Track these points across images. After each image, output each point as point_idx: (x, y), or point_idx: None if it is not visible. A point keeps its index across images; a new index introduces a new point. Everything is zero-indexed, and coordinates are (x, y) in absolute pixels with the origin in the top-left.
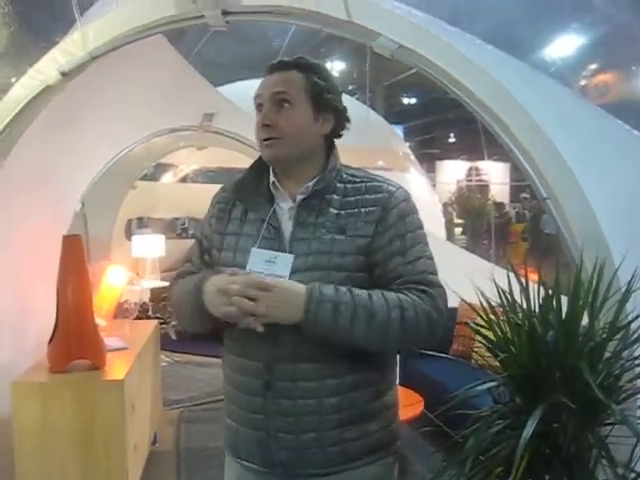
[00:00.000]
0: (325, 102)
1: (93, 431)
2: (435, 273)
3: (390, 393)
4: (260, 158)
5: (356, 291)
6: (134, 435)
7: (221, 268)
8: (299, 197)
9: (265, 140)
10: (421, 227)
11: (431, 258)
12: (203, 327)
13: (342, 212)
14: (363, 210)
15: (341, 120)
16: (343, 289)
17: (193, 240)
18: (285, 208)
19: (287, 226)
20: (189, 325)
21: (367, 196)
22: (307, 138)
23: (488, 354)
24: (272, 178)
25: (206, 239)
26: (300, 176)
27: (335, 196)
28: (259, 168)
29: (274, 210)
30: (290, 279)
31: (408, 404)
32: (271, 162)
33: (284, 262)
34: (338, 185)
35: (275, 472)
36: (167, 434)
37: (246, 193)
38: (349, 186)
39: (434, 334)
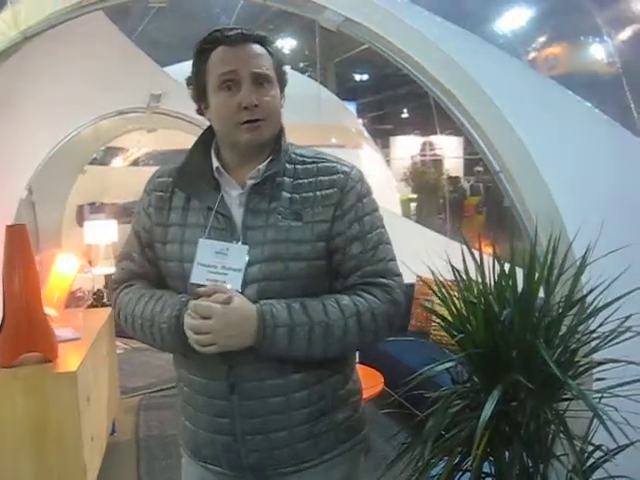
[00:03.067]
0: (284, 80)
1: (46, 426)
2: (394, 259)
3: (354, 377)
4: (200, 141)
5: (310, 306)
6: (90, 427)
7: (165, 263)
8: (249, 182)
9: (249, 122)
10: (377, 209)
11: (389, 242)
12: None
13: (296, 196)
14: (319, 193)
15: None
16: (296, 306)
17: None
18: (234, 195)
19: (237, 214)
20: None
21: (321, 178)
22: (280, 118)
23: (437, 319)
24: (216, 163)
25: (146, 232)
26: (255, 160)
27: (286, 179)
28: (200, 152)
29: (222, 197)
30: (247, 271)
31: (369, 383)
32: (252, 146)
33: (238, 253)
34: (287, 166)
35: (244, 475)
36: (126, 423)
37: (188, 180)
38: (299, 167)
39: (392, 328)
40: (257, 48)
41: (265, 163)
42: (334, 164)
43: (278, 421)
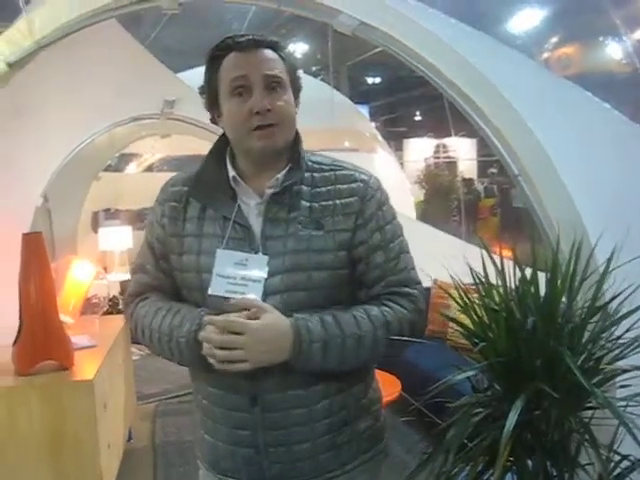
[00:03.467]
0: (298, 85)
1: (63, 434)
2: (414, 267)
3: (374, 385)
4: (215, 150)
5: (342, 318)
6: (107, 434)
7: (182, 274)
8: (268, 191)
9: (261, 128)
10: (396, 216)
11: (409, 251)
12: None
13: (314, 204)
14: (339, 202)
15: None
16: (329, 319)
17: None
18: (252, 204)
19: (256, 224)
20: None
21: (340, 186)
22: (294, 123)
23: (458, 327)
24: (232, 172)
25: (159, 243)
26: (272, 168)
27: (304, 187)
28: (215, 160)
29: (239, 207)
30: (267, 282)
31: (386, 389)
32: (266, 153)
33: (258, 264)
34: (305, 175)
35: None
36: (142, 429)
37: (203, 190)
38: (317, 175)
39: (417, 336)
40: (269, 53)
41: (284, 172)
42: (352, 172)
43: (301, 433)
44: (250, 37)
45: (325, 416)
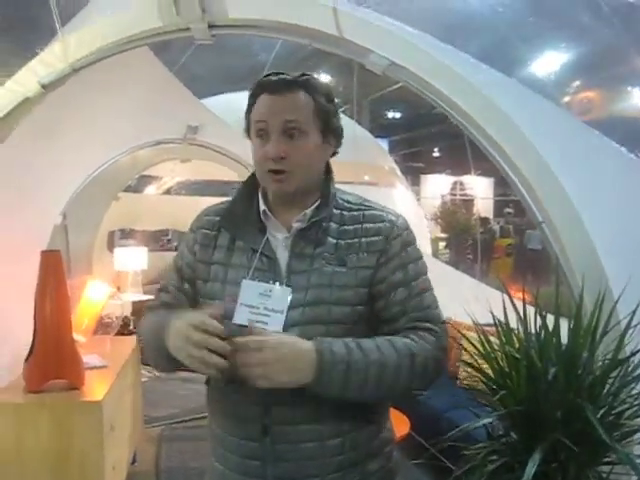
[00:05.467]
0: (332, 127)
1: (69, 453)
2: (438, 307)
3: (388, 426)
4: (248, 183)
5: (366, 345)
6: (112, 456)
7: (206, 301)
8: (295, 226)
9: (274, 173)
10: (421, 257)
11: (432, 290)
12: (171, 370)
13: (341, 242)
14: (364, 240)
15: (340, 141)
16: (352, 344)
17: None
18: (279, 237)
19: (282, 257)
20: (155, 366)
21: (367, 225)
22: (315, 167)
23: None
24: (262, 206)
25: (189, 268)
26: (299, 204)
27: (332, 224)
28: (247, 193)
29: (267, 239)
30: (288, 314)
31: (394, 426)
32: (279, 196)
33: (281, 295)
34: (334, 212)
35: None
36: (147, 453)
37: (234, 221)
38: (346, 214)
39: (440, 374)
40: (297, 97)
41: (312, 208)
42: (381, 213)
43: (311, 467)
44: (282, 77)
45: (336, 453)
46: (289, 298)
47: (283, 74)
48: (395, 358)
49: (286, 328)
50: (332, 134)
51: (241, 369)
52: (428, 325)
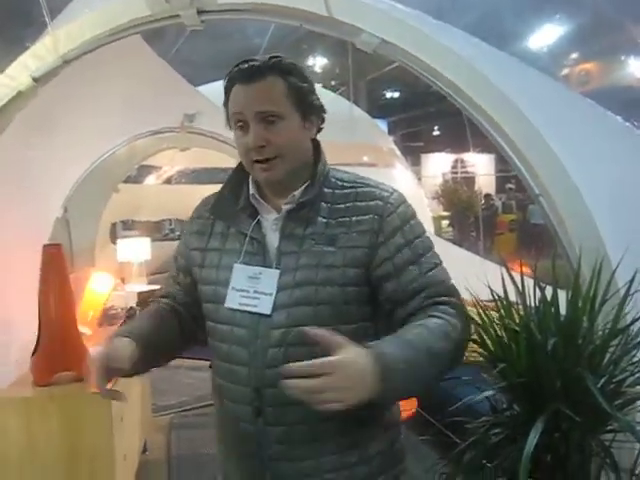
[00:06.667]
0: (310, 105)
1: (80, 444)
2: (451, 279)
3: (392, 409)
4: (237, 170)
5: (406, 337)
6: (123, 445)
7: (202, 287)
8: (284, 207)
9: (259, 162)
10: (425, 231)
11: (442, 263)
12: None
13: (332, 221)
14: (354, 219)
15: (322, 117)
16: (397, 340)
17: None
18: (270, 219)
19: (272, 239)
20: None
21: (358, 203)
22: (301, 148)
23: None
24: (252, 190)
25: (182, 258)
26: (289, 187)
27: (323, 204)
28: (237, 180)
29: (257, 222)
30: (277, 297)
31: (402, 405)
32: (269, 184)
33: (269, 278)
34: (326, 191)
35: None
36: (157, 441)
37: (225, 208)
38: (337, 192)
39: (468, 342)
40: (268, 83)
41: (301, 189)
42: (373, 189)
43: (306, 448)
44: (253, 64)
45: (331, 435)
46: (276, 280)
47: (253, 60)
48: (436, 341)
49: (274, 310)
50: (312, 112)
51: (302, 396)
52: (446, 299)
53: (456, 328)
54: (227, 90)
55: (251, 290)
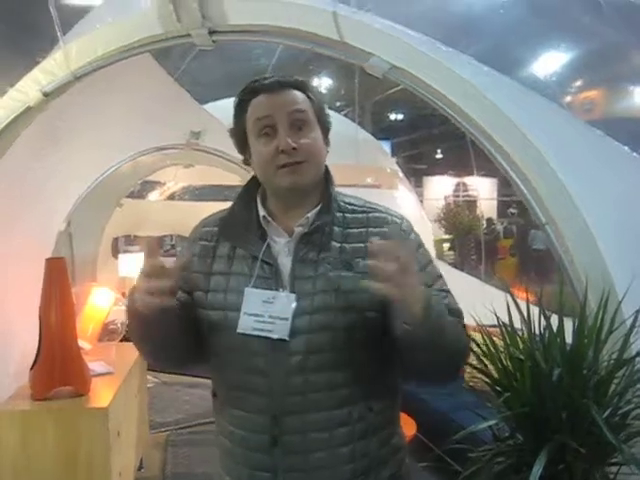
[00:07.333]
0: (328, 127)
1: (76, 460)
2: (458, 304)
3: (398, 432)
4: (246, 191)
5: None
6: (119, 462)
7: (209, 312)
8: (298, 230)
9: (286, 166)
10: (432, 259)
11: (450, 291)
12: (171, 362)
13: (345, 246)
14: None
15: (329, 142)
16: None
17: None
18: (280, 242)
19: (285, 263)
20: (154, 360)
21: (371, 229)
22: (322, 163)
23: (480, 375)
24: (262, 212)
25: (183, 280)
26: (301, 206)
27: (336, 228)
28: (245, 200)
29: (267, 246)
30: (294, 322)
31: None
32: (293, 189)
33: (284, 303)
34: (337, 215)
35: None
36: (154, 459)
37: (234, 230)
38: (349, 216)
39: (465, 362)
40: (295, 93)
41: (314, 211)
42: (384, 215)
43: (322, 476)
44: (275, 79)
45: (347, 461)
46: (294, 305)
47: (271, 77)
48: (454, 331)
49: (292, 335)
50: (327, 131)
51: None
52: (457, 319)
53: (465, 338)
54: (244, 103)
55: (266, 315)
